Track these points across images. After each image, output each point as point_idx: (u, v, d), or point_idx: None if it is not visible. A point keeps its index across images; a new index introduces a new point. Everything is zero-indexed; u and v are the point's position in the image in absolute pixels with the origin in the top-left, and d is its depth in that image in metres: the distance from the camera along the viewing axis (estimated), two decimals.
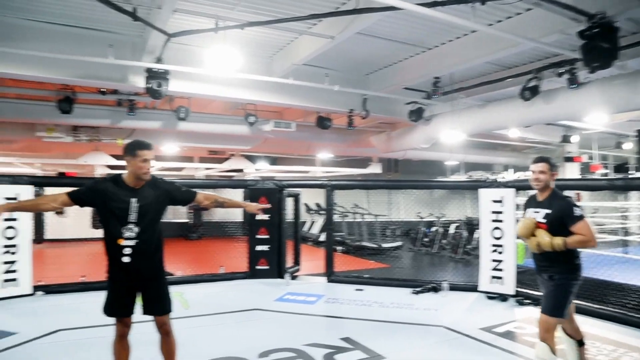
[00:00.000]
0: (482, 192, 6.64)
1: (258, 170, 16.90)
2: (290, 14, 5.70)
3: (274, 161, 17.57)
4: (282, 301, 6.34)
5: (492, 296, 6.32)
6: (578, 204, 3.43)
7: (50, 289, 6.61)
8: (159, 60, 6.50)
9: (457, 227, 12.45)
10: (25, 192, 6.23)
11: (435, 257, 12.34)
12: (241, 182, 8.85)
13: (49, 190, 6.39)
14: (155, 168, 14.25)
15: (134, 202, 3.15)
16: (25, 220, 6.33)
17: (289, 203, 8.30)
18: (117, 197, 3.15)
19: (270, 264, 7.71)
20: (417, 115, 9.22)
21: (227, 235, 11.78)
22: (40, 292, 6.47)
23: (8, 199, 5.93)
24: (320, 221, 15.25)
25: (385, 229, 15.03)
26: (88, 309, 5.65)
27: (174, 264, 8.61)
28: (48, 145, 11.01)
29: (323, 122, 9.69)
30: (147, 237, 3.19)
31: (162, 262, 3.40)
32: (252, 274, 7.70)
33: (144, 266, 3.24)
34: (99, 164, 13.30)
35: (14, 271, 6.21)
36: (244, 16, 5.84)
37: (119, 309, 3.27)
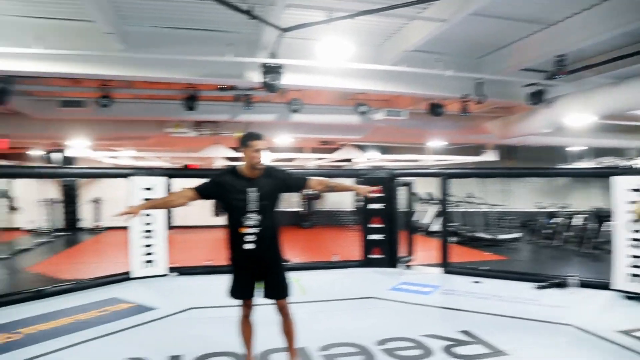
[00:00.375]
0: (617, 180, 6.00)
1: (368, 160, 16.96)
2: None
3: (383, 150, 17.48)
4: (397, 290, 6.31)
5: (631, 296, 5.68)
6: None
7: (182, 271, 7.24)
8: (272, 55, 6.76)
9: (585, 219, 11.41)
10: (159, 183, 6.89)
11: (558, 250, 11.45)
12: (354, 172, 8.94)
13: (177, 181, 7.02)
14: (269, 159, 14.96)
15: (252, 192, 3.32)
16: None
17: (402, 192, 8.20)
18: (236, 188, 3.35)
19: (383, 253, 7.70)
20: (537, 97, 8.57)
21: (338, 224, 11.99)
22: (174, 273, 7.14)
23: (146, 189, 6.63)
24: (431, 211, 14.91)
25: (501, 219, 14.29)
26: (215, 291, 6.05)
27: (289, 251, 8.96)
28: (175, 140, 12.01)
29: (435, 109, 9.41)
30: (266, 225, 3.36)
31: (280, 249, 3.55)
32: (366, 262, 7.74)
33: (264, 253, 3.41)
34: (218, 156, 14.24)
35: (152, 253, 6.94)
36: (354, 5, 5.84)
37: (242, 293, 3.50)
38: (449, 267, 7.41)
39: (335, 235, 10.60)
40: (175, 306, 5.48)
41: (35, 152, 16.58)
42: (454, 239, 11.94)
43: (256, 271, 3.44)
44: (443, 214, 7.86)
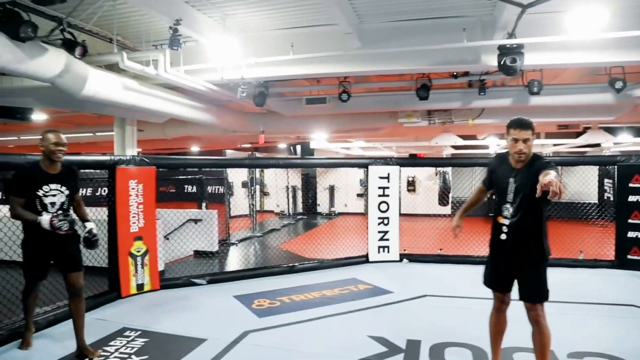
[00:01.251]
0: None
1: (614, 144, 14.62)
2: None
3: (637, 132, 14.82)
4: None
5: None
6: None
7: (412, 258, 7.45)
8: (510, 35, 6.30)
9: None
10: (393, 171, 7.20)
11: None
12: (607, 159, 7.82)
13: (405, 170, 7.21)
14: (500, 146, 14.12)
15: (511, 182, 3.15)
16: (394, 196, 7.33)
17: None
18: (501, 175, 3.24)
19: None
20: None
21: (579, 217, 10.55)
22: (405, 260, 7.39)
23: (382, 177, 7.02)
24: None
25: None
26: (448, 280, 6.11)
27: None
28: (405, 129, 12.26)
29: None
30: (520, 218, 3.12)
31: (541, 247, 3.16)
32: (621, 263, 6.71)
33: (518, 247, 3.16)
34: (447, 144, 14.02)
35: (386, 239, 7.31)
36: None
37: (493, 283, 3.35)
38: None
39: (574, 229, 9.34)
40: (410, 292, 5.66)
41: (282, 145, 19.11)
42: None
43: (510, 264, 3.22)
44: None
